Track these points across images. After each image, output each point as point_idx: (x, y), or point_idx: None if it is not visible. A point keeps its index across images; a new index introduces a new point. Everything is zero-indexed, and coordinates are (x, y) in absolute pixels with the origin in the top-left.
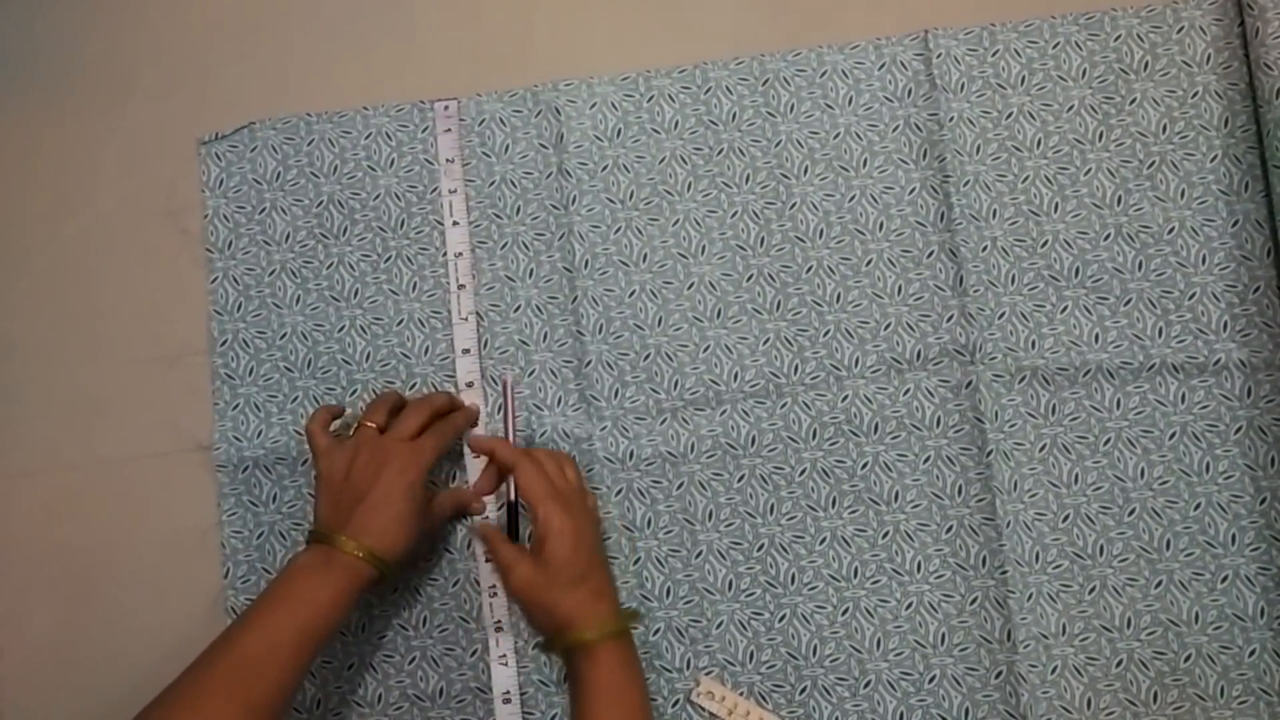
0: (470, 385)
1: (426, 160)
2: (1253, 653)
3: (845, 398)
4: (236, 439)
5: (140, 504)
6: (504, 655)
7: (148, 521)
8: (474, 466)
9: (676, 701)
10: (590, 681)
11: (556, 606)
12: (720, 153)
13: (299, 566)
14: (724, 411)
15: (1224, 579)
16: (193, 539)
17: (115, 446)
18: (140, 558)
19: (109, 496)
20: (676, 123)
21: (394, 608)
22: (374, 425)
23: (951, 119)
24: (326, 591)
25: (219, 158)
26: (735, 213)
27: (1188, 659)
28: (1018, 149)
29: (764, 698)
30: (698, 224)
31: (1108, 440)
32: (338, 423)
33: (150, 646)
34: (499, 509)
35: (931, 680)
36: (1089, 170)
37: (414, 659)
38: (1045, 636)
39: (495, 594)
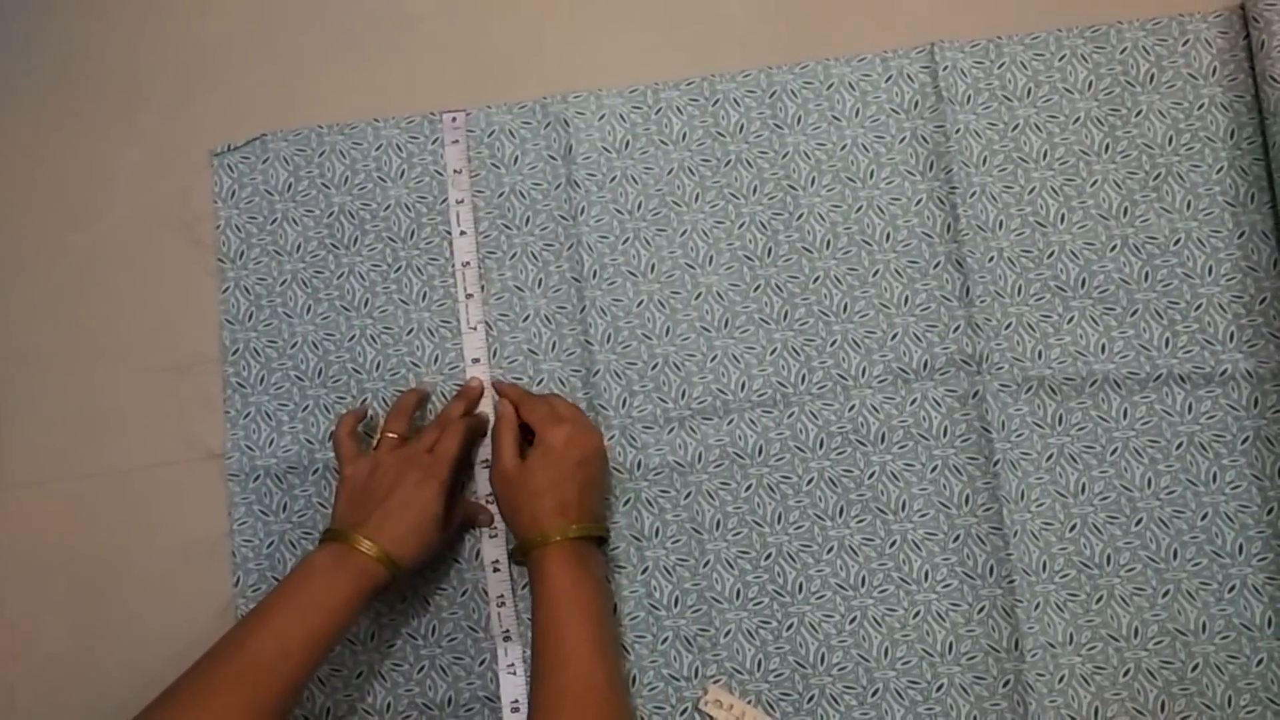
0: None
1: (436, 171)
2: (1260, 662)
3: (852, 407)
4: (248, 448)
5: (151, 512)
6: (512, 664)
7: (159, 530)
8: (484, 476)
9: (685, 710)
10: (538, 584)
11: (520, 508)
12: (728, 164)
13: (312, 567)
14: (731, 421)
15: (1231, 589)
16: (203, 547)
17: (127, 455)
18: (151, 566)
19: (120, 505)
20: (684, 134)
21: (402, 617)
22: (395, 435)
23: (958, 131)
24: (339, 594)
25: (231, 169)
26: (743, 223)
27: (1195, 668)
28: (1024, 160)
29: (771, 706)
30: (705, 235)
31: (1114, 450)
32: (361, 426)
33: (161, 654)
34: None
35: (939, 689)
36: (1095, 182)
37: (423, 668)
38: (1053, 645)
39: (503, 604)
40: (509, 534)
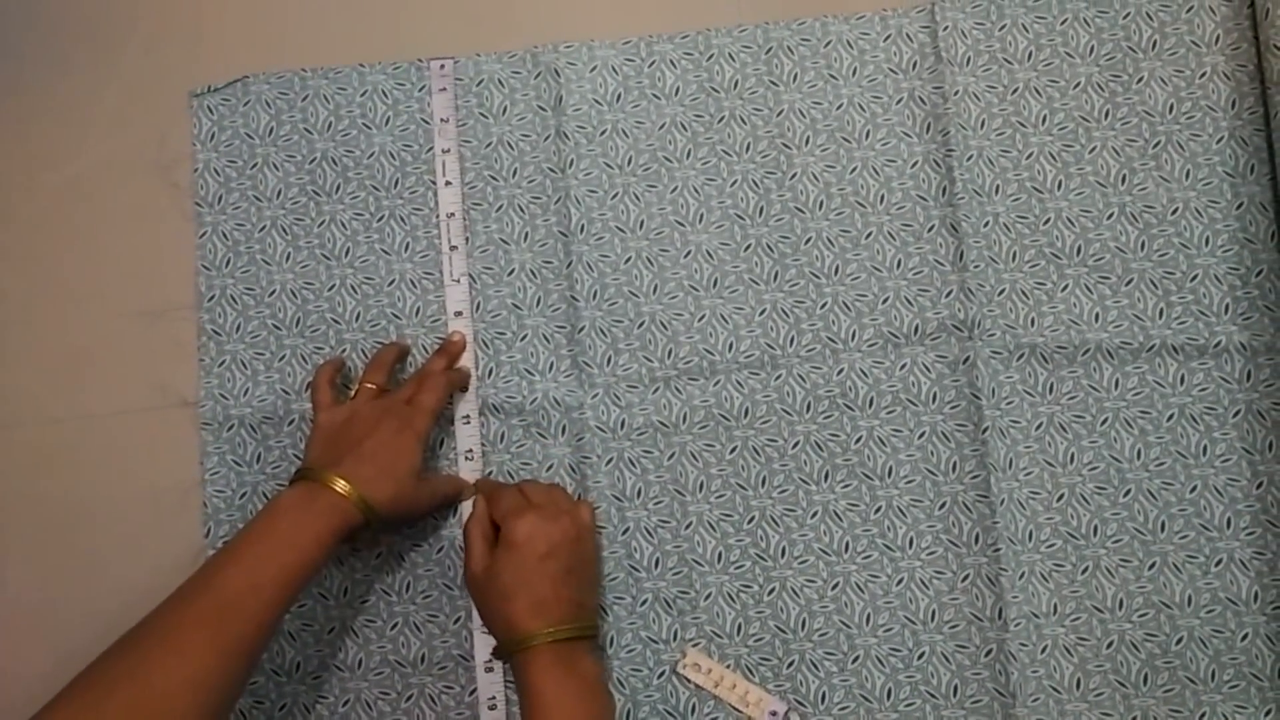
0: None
1: (422, 119)
2: (1245, 637)
3: (841, 371)
4: (223, 396)
5: (122, 460)
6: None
7: (129, 478)
8: (464, 433)
9: (662, 673)
10: (521, 692)
11: (494, 613)
12: (721, 120)
13: (282, 505)
14: (718, 382)
15: (1218, 562)
16: (174, 497)
17: (99, 400)
18: (121, 514)
19: (90, 451)
20: (677, 89)
21: (376, 572)
22: (374, 386)
23: (956, 93)
24: (311, 531)
25: (211, 111)
26: (734, 181)
27: (1179, 642)
28: (1022, 125)
29: (751, 671)
30: (696, 192)
31: (1105, 420)
32: (339, 378)
33: (128, 604)
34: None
35: (920, 657)
36: (1094, 148)
37: (396, 624)
38: (1036, 615)
39: None
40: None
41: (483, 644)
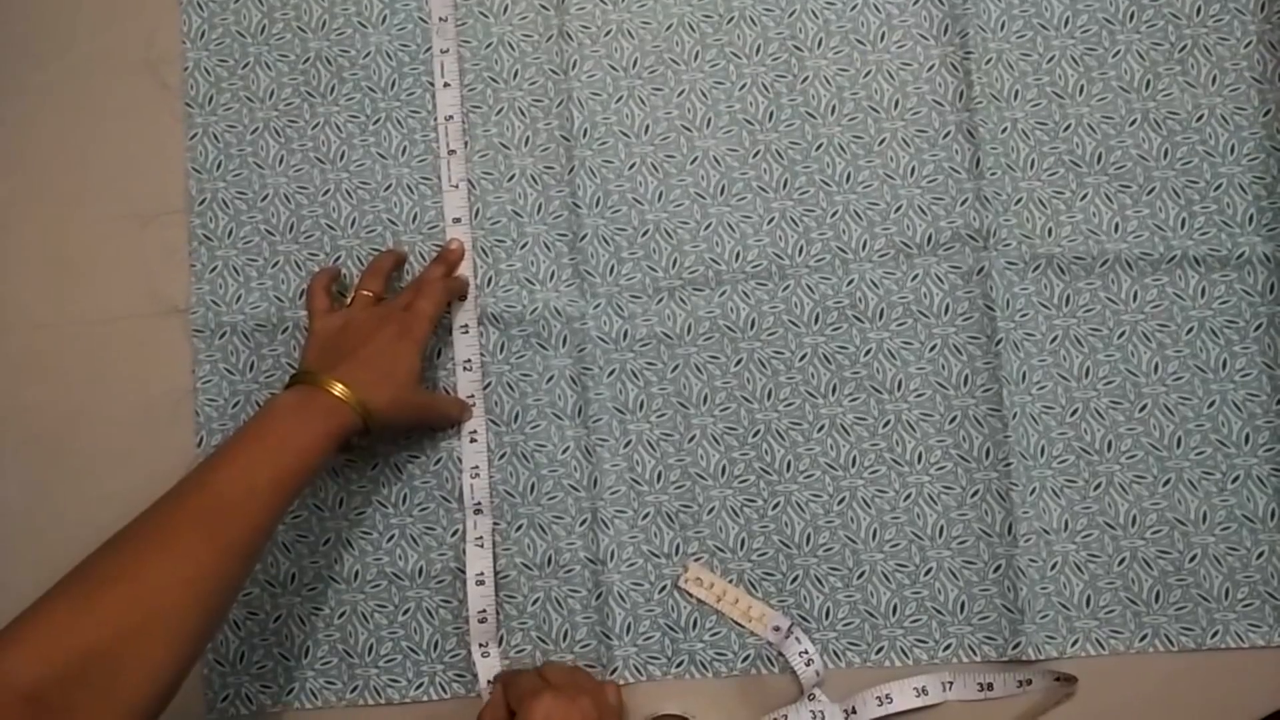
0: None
1: (420, 18)
2: (1260, 555)
3: (851, 281)
4: (214, 303)
5: (112, 367)
6: (480, 538)
7: (119, 386)
8: (462, 342)
9: (664, 588)
10: None
11: None
12: (730, 21)
13: (279, 407)
14: (724, 292)
15: (1235, 479)
16: (166, 405)
17: (88, 306)
18: (111, 423)
19: (79, 358)
20: None
21: (373, 484)
22: (370, 293)
23: None
24: (309, 434)
25: (200, 7)
26: (744, 85)
27: (1193, 559)
28: (1044, 27)
29: (754, 586)
30: (704, 95)
31: (1122, 333)
32: (334, 287)
33: (119, 512)
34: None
35: (928, 573)
36: (1117, 52)
37: (392, 537)
38: (1047, 532)
39: (477, 475)
40: (490, 414)
41: (474, 557)
